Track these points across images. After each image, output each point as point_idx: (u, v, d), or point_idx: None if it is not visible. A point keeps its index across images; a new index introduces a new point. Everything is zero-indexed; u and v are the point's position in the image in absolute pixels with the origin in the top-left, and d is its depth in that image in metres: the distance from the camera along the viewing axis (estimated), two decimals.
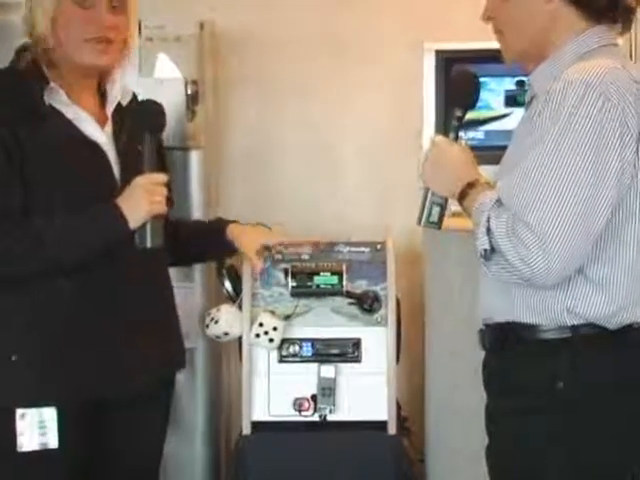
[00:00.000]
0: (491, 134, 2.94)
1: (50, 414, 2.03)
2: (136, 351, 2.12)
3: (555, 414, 1.78)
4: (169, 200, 2.13)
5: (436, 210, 1.91)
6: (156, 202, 2.06)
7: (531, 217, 1.70)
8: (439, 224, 1.92)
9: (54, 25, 2.03)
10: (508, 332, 1.85)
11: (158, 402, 2.25)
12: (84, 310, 2.06)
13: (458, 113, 1.91)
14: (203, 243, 2.45)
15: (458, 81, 1.97)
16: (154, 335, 2.16)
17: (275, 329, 2.70)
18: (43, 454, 2.04)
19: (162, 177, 2.10)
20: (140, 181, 2.06)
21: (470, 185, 1.84)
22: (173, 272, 2.39)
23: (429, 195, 1.91)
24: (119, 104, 2.18)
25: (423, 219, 1.92)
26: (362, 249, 2.81)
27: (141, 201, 2.04)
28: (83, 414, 2.08)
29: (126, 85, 2.20)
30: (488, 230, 1.75)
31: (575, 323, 1.78)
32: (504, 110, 2.93)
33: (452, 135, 1.92)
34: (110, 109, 2.16)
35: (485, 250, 1.76)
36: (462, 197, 1.85)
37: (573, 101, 1.69)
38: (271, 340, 2.70)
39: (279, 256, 2.78)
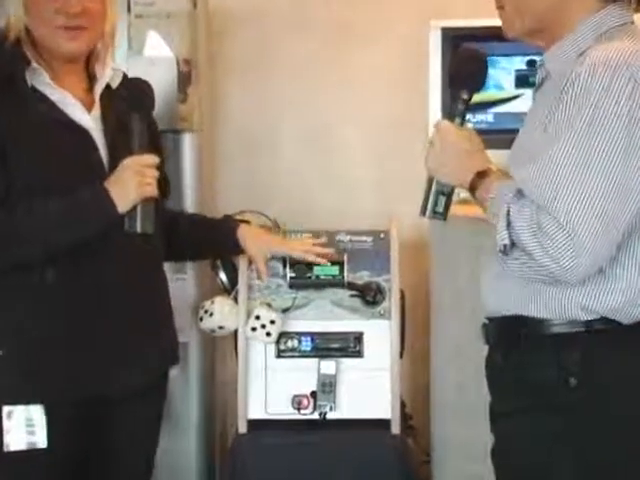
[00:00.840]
0: (501, 117, 2.91)
1: (38, 412, 2.03)
2: (127, 346, 2.14)
3: (565, 412, 1.77)
4: (160, 183, 2.13)
5: (442, 200, 1.88)
6: (146, 184, 2.07)
7: (557, 209, 1.67)
8: (445, 215, 1.90)
9: (27, 12, 2.05)
10: (514, 327, 1.83)
11: (151, 398, 2.27)
12: (72, 305, 2.08)
13: (464, 96, 1.88)
14: (209, 240, 2.47)
15: (464, 61, 1.93)
16: (146, 330, 2.18)
17: (272, 322, 2.71)
18: (31, 454, 2.05)
19: (152, 158, 2.11)
20: (129, 162, 2.07)
21: (481, 174, 1.82)
22: (166, 264, 2.39)
23: (434, 184, 1.89)
24: (109, 86, 2.18)
25: (428, 209, 1.90)
26: (364, 238, 2.82)
27: (130, 183, 2.05)
28: (74, 412, 2.09)
29: (117, 67, 2.20)
30: (509, 224, 1.72)
31: (589, 318, 1.77)
32: (515, 91, 2.92)
33: (458, 120, 1.89)
34: (98, 92, 2.16)
35: (505, 245, 1.74)
36: (473, 187, 1.83)
37: (600, 86, 1.66)
38: (268, 334, 2.71)
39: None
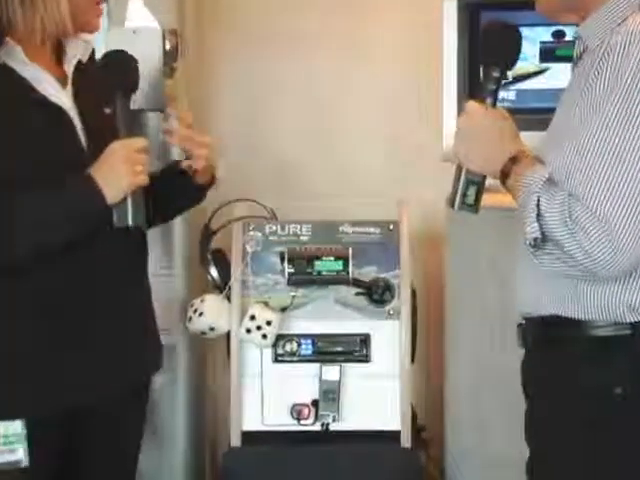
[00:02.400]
0: (524, 94, 2.90)
1: (17, 428, 2.04)
2: (107, 354, 2.13)
3: (611, 424, 1.77)
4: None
5: (472, 190, 1.88)
6: (138, 172, 2.04)
7: (591, 197, 1.67)
8: (476, 207, 1.89)
9: None
10: (554, 328, 1.83)
11: (133, 408, 2.27)
12: (48, 310, 2.07)
13: (495, 74, 1.88)
14: (171, 187, 2.37)
15: (495, 35, 1.92)
16: (127, 334, 2.17)
17: (269, 323, 2.71)
18: (13, 475, 2.05)
19: (142, 142, 2.08)
20: (117, 148, 2.05)
21: (513, 160, 1.82)
22: (150, 258, 2.39)
23: (463, 172, 1.88)
24: (79, 62, 2.18)
25: (457, 201, 1.89)
26: (371, 229, 2.81)
27: (120, 172, 2.03)
28: (54, 426, 2.09)
29: (87, 39, 2.20)
30: (539, 215, 1.72)
31: (636, 320, 1.76)
32: (539, 66, 2.91)
33: (489, 100, 1.88)
34: (70, 67, 2.15)
35: (535, 238, 1.74)
36: (504, 175, 1.83)
37: (637, 55, 1.68)
38: (264, 336, 2.71)
39: (274, 237, 2.78)
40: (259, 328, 2.71)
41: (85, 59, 2.18)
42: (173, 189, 2.30)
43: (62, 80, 2.13)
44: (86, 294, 2.10)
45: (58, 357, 2.07)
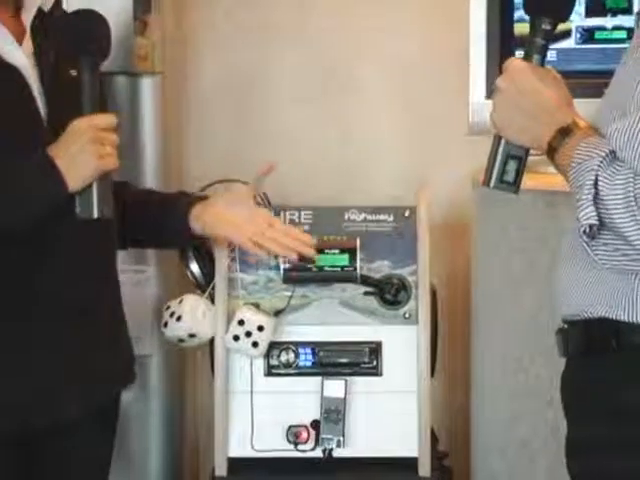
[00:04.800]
0: (567, 55, 2.91)
1: None
2: (68, 365, 2.16)
3: None
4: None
5: (512, 166, 1.89)
6: (106, 155, 2.06)
7: None
8: (516, 185, 1.91)
9: None
10: (603, 334, 1.83)
11: (99, 429, 2.28)
12: None
13: (546, 26, 1.89)
14: (154, 226, 2.43)
15: None
16: (92, 343, 2.20)
17: (260, 329, 2.70)
18: None
19: (112, 118, 2.11)
20: (82, 125, 2.07)
21: (564, 131, 1.82)
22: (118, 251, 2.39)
23: (502, 144, 1.90)
24: (40, 12, 2.17)
25: (493, 178, 1.91)
26: (383, 217, 2.81)
27: (86, 153, 2.05)
28: (4, 448, 2.11)
29: None
30: (596, 197, 1.73)
31: None
32: (585, 21, 2.90)
33: (537, 58, 1.90)
34: (29, 16, 2.15)
35: (591, 226, 1.74)
36: (553, 148, 1.83)
37: None
38: (255, 344, 2.70)
39: None
40: (249, 335, 2.70)
41: (47, 7, 2.18)
42: (159, 226, 2.39)
43: (18, 34, 2.13)
44: (32, 292, 2.10)
45: (11, 370, 2.07)
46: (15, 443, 2.13)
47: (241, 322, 2.70)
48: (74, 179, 2.04)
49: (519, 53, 1.99)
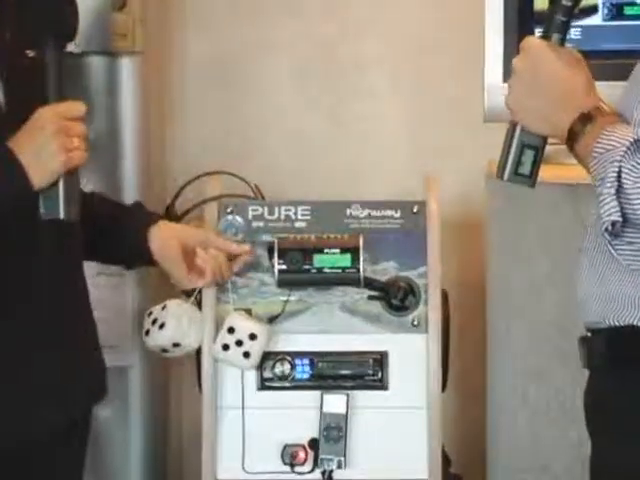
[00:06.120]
0: (593, 33, 2.92)
1: None
2: (30, 381, 2.16)
3: None
4: None
5: (529, 156, 1.90)
6: (74, 148, 2.05)
7: None
8: (533, 178, 1.91)
9: None
10: (630, 343, 1.84)
11: (65, 451, 2.28)
12: None
13: (567, 2, 1.89)
14: (110, 243, 2.44)
15: None
16: (58, 354, 2.20)
17: (253, 337, 2.70)
18: None
19: (80, 107, 2.09)
20: (47, 115, 2.06)
21: (585, 117, 1.82)
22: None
23: (517, 132, 1.90)
24: None
25: (507, 169, 1.91)
26: (389, 212, 2.81)
27: (51, 147, 2.04)
28: None
29: None
30: (619, 190, 1.73)
31: None
32: None
33: (556, 36, 1.90)
34: None
35: (614, 222, 1.75)
36: (573, 136, 1.83)
37: None
38: (247, 354, 2.70)
39: (259, 223, 2.78)
40: (240, 344, 2.69)
41: None
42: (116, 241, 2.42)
43: None
44: (7, 299, 2.11)
45: None
46: None
47: (231, 330, 2.69)
48: (38, 175, 2.03)
49: (538, 31, 1.99)
